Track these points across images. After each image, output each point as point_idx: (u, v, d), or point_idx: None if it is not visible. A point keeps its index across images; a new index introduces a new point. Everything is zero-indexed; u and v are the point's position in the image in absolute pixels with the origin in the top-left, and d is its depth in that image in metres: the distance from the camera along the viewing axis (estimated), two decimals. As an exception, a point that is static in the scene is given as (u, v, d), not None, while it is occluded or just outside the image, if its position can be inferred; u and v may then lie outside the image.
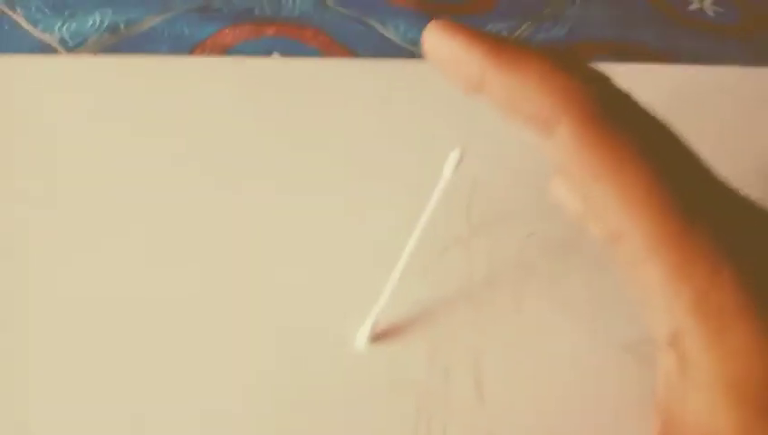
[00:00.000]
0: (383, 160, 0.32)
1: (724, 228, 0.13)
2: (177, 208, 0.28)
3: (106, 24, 0.39)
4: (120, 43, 0.38)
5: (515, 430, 0.22)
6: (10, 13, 0.39)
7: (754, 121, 0.41)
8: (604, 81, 0.15)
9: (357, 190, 0.29)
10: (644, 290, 0.13)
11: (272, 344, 0.24)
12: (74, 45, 0.37)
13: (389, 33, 0.43)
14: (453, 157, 0.20)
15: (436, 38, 0.15)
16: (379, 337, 0.24)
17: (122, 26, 0.40)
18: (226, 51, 0.39)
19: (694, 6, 0.54)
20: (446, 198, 0.31)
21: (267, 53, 0.40)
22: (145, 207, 0.28)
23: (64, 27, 0.38)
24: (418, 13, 0.45)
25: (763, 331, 0.12)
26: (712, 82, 0.45)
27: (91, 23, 0.39)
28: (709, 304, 0.12)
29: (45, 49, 0.37)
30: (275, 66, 0.39)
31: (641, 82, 0.43)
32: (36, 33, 0.38)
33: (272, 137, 0.32)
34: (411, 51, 0.42)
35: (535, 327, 0.25)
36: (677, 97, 0.42)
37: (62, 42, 0.37)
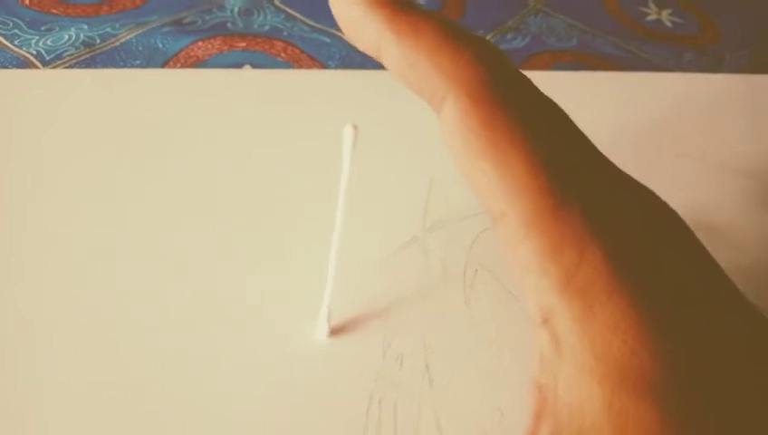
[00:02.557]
0: (360, 167, 0.33)
1: (597, 208, 0.13)
2: (149, 216, 0.29)
3: (82, 38, 0.41)
4: (96, 56, 0.40)
5: (461, 411, 0.23)
6: (-12, 29, 0.40)
7: (710, 125, 0.43)
8: (496, 59, 0.14)
9: (327, 197, 0.31)
10: (520, 271, 0.13)
11: (236, 339, 0.25)
12: (51, 60, 0.39)
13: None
14: (347, 133, 0.20)
15: None
16: (338, 330, 0.26)
17: (98, 41, 0.41)
18: (198, 63, 0.41)
19: (652, 17, 0.57)
20: (404, 196, 0.32)
21: (239, 65, 0.42)
22: (121, 216, 0.29)
23: (41, 42, 0.40)
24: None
25: (629, 307, 0.12)
26: (668, 89, 0.47)
27: (66, 38, 0.41)
28: (577, 282, 0.12)
29: (22, 64, 0.38)
30: (246, 78, 0.40)
31: (600, 89, 0.45)
32: (13, 48, 0.39)
33: (243, 146, 0.34)
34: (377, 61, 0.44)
35: (483, 319, 0.27)
36: (635, 103, 0.44)
37: (39, 56, 0.39)
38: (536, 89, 0.15)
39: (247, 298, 0.26)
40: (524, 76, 0.15)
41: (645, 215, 0.14)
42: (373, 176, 0.32)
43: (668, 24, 0.56)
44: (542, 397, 0.13)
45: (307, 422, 0.23)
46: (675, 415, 0.11)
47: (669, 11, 0.58)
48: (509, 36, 0.50)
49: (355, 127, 0.20)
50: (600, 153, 0.14)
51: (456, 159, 0.14)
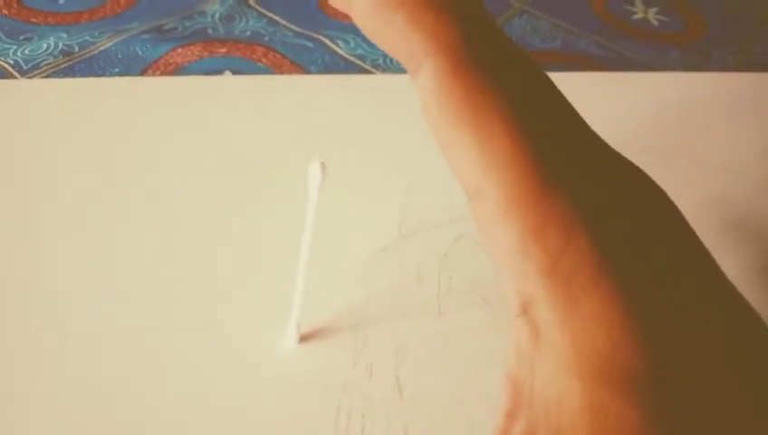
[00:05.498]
0: (338, 173, 0.33)
1: (586, 188, 0.12)
2: (124, 224, 0.29)
3: (60, 47, 0.41)
4: (74, 65, 0.40)
5: (430, 423, 0.23)
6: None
7: (692, 124, 0.43)
8: (480, 23, 0.13)
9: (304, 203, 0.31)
10: (499, 254, 0.12)
11: (205, 348, 0.25)
12: (29, 69, 0.39)
13: (339, 48, 0.45)
14: (314, 171, 0.20)
15: None
16: (308, 337, 0.26)
17: (77, 49, 0.41)
18: (178, 70, 0.41)
19: (638, 16, 0.56)
20: (379, 204, 0.32)
21: (219, 71, 0.42)
22: (94, 226, 0.29)
23: (19, 51, 0.40)
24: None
25: (615, 299, 0.11)
26: (654, 88, 0.47)
27: (45, 47, 0.41)
28: (561, 270, 0.11)
29: (0, 74, 0.38)
30: (225, 84, 0.40)
31: (584, 89, 0.45)
32: (-8, 58, 0.39)
33: (220, 154, 0.34)
34: (360, 65, 0.44)
35: (456, 328, 0.27)
36: (620, 103, 0.44)
37: (17, 66, 0.39)
38: (526, 56, 0.13)
39: (218, 306, 0.26)
40: (512, 41, 0.13)
41: (635, 197, 0.13)
42: (351, 181, 0.32)
43: (655, 23, 0.56)
44: (517, 392, 0.12)
45: (274, 431, 0.23)
46: (656, 415, 0.11)
47: (656, 9, 0.58)
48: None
49: (323, 165, 0.19)
50: (590, 129, 0.13)
51: (432, 128, 0.12)
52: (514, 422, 0.12)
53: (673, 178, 0.37)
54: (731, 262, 0.28)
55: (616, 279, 0.11)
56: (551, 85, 0.13)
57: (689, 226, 0.13)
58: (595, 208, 0.12)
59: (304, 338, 0.25)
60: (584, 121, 0.13)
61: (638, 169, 0.13)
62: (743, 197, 0.37)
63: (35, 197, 0.30)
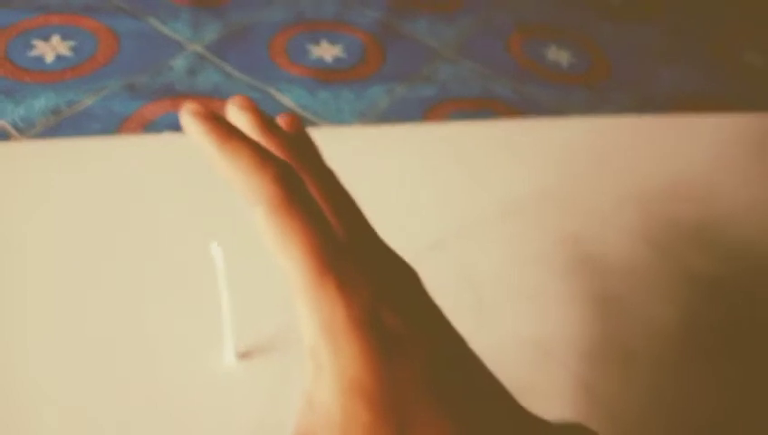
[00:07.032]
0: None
1: (350, 275, 0.18)
2: (89, 265, 0.38)
3: (51, 106, 0.49)
4: (62, 121, 0.48)
5: None
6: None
7: (592, 169, 0.50)
8: (290, 178, 0.18)
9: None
10: (299, 313, 0.18)
11: (147, 369, 0.34)
12: (25, 127, 0.47)
13: (285, 99, 0.53)
14: (216, 253, 0.28)
15: (188, 120, 0.20)
16: (247, 354, 0.35)
17: (64, 107, 0.49)
18: (148, 125, 0.49)
19: (551, 57, 0.65)
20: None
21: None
22: (72, 267, 0.38)
23: (16, 112, 0.48)
24: (312, 80, 0.55)
25: (365, 344, 0.17)
26: (557, 133, 0.55)
27: (37, 107, 0.49)
28: (331, 328, 0.17)
29: (1, 133, 0.46)
30: (187, 142, 0.49)
31: (497, 137, 0.53)
32: (-7, 117, 0.47)
33: (174, 205, 0.42)
34: (303, 115, 0.52)
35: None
36: (528, 148, 0.52)
37: (14, 125, 0.47)
38: (315, 196, 0.20)
39: (159, 331, 0.35)
40: (305, 204, 0.18)
41: (393, 274, 0.19)
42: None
43: (564, 65, 0.65)
44: (308, 405, 0.18)
45: None
46: (385, 414, 0.16)
47: (570, 52, 0.66)
48: (419, 85, 0.58)
49: (217, 246, 0.28)
50: (367, 225, 0.21)
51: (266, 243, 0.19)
52: (302, 419, 0.18)
53: (579, 216, 0.45)
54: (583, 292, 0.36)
55: (367, 328, 0.17)
56: (345, 198, 0.21)
57: (424, 289, 0.20)
58: (349, 281, 0.17)
59: (245, 355, 0.34)
60: (364, 220, 0.20)
61: (395, 254, 0.20)
62: (650, 235, 0.45)
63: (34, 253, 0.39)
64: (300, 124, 0.24)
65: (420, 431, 0.17)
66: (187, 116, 0.20)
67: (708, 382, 0.35)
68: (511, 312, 0.38)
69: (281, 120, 0.24)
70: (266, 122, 0.23)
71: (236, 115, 0.23)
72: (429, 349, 0.18)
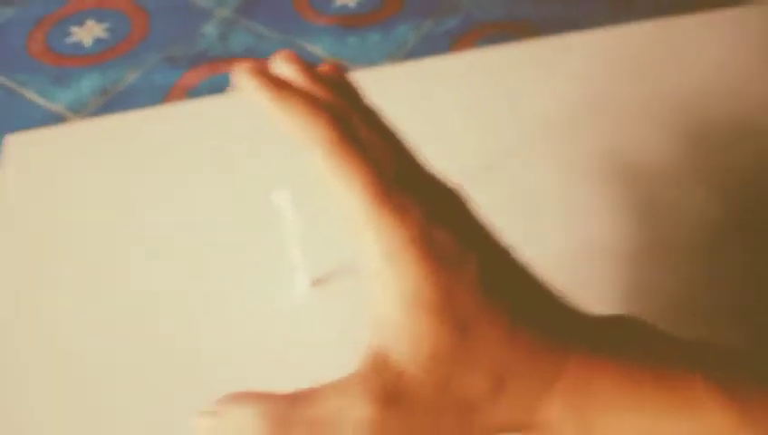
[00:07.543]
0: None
1: (410, 197, 0.19)
2: (166, 218, 0.40)
3: (97, 86, 0.51)
4: (110, 100, 0.50)
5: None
6: (22, 90, 0.51)
7: (623, 79, 0.50)
8: (342, 121, 0.20)
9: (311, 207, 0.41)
10: (362, 241, 0.19)
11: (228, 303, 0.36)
12: (78, 108, 0.50)
13: (317, 49, 0.55)
14: (283, 198, 0.28)
15: (242, 78, 0.21)
16: (319, 281, 0.37)
17: (109, 86, 0.52)
18: (190, 91, 0.51)
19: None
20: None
21: (224, 88, 0.52)
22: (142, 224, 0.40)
23: (66, 95, 0.51)
24: (339, 27, 0.56)
25: (422, 260, 0.18)
26: (582, 46, 0.55)
27: (85, 88, 0.51)
28: (391, 249, 0.18)
29: (55, 117, 0.49)
30: (231, 102, 0.51)
31: (527, 57, 0.52)
32: (45, 103, 0.50)
33: (231, 164, 0.44)
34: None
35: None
36: (558, 65, 0.52)
37: (69, 107, 0.50)
38: (379, 130, 0.21)
39: (234, 274, 0.37)
40: (369, 121, 0.20)
41: (440, 197, 0.20)
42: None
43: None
44: (374, 321, 0.19)
45: (305, 368, 0.33)
46: (446, 319, 0.18)
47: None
48: (444, 19, 0.58)
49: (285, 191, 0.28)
50: (413, 155, 0.21)
51: (324, 179, 0.20)
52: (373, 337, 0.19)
53: (617, 129, 0.45)
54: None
55: (427, 245, 0.18)
56: (396, 140, 0.21)
57: (476, 211, 0.21)
58: (417, 208, 0.19)
59: (316, 283, 0.36)
60: (411, 155, 0.21)
61: (446, 182, 0.21)
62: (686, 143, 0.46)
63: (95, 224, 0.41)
64: (341, 70, 0.26)
65: (478, 329, 0.19)
66: (242, 74, 0.21)
67: (746, 269, 0.36)
68: (561, 222, 0.39)
69: (323, 68, 0.26)
70: (311, 72, 0.24)
71: (283, 68, 0.25)
72: (479, 258, 0.20)
